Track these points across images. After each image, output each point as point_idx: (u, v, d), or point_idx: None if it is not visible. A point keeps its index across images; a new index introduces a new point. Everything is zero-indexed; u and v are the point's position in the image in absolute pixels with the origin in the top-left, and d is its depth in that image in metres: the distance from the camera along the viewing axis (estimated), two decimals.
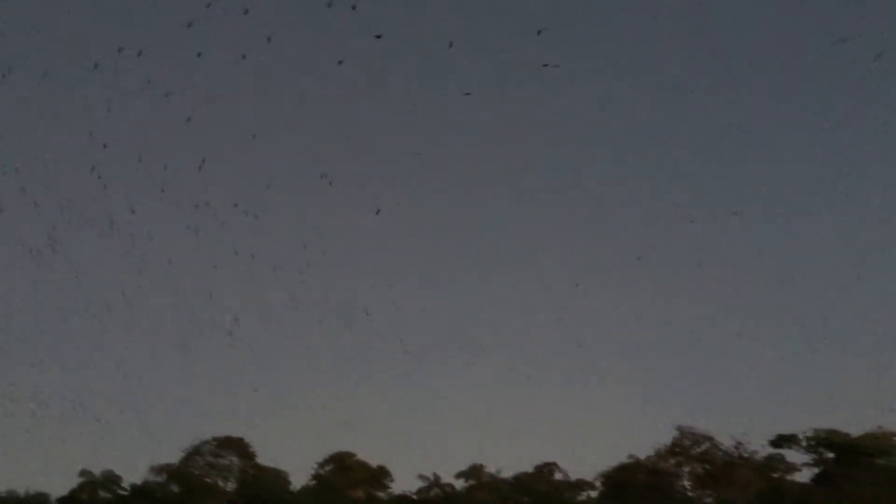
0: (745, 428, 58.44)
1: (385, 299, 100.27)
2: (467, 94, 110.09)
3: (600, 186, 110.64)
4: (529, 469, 68.02)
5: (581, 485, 66.96)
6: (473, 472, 64.59)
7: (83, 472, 61.62)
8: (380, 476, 62.01)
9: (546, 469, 67.80)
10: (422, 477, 67.27)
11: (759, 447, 57.92)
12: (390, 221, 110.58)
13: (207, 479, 59.63)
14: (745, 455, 57.32)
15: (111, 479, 61.84)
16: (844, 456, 54.55)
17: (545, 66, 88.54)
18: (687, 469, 57.41)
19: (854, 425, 55.30)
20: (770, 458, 58.59)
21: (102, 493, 61.92)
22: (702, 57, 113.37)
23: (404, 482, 79.23)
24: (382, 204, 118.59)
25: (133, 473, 66.93)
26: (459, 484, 66.43)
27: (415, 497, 66.40)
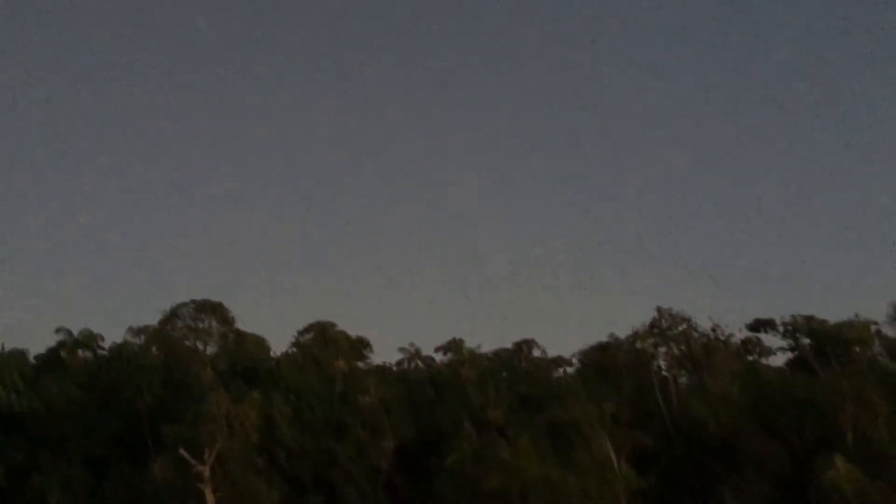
0: (723, 311, 58.33)
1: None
2: None
3: None
4: (508, 345, 68.74)
5: (559, 362, 67.90)
6: (453, 346, 64.89)
7: (59, 330, 59.84)
8: (360, 346, 61.82)
9: (525, 345, 68.49)
10: (402, 349, 67.78)
11: (737, 331, 57.81)
12: None
13: (187, 343, 58.71)
14: (722, 338, 56.98)
15: (90, 339, 60.68)
16: (821, 343, 54.83)
17: None
18: (664, 350, 57.16)
19: (833, 312, 55.28)
20: (747, 341, 58.81)
21: (82, 353, 60.95)
22: None
23: (384, 353, 79.93)
24: None
25: (110, 333, 66.34)
26: (439, 357, 67.03)
27: (395, 368, 66.98)
